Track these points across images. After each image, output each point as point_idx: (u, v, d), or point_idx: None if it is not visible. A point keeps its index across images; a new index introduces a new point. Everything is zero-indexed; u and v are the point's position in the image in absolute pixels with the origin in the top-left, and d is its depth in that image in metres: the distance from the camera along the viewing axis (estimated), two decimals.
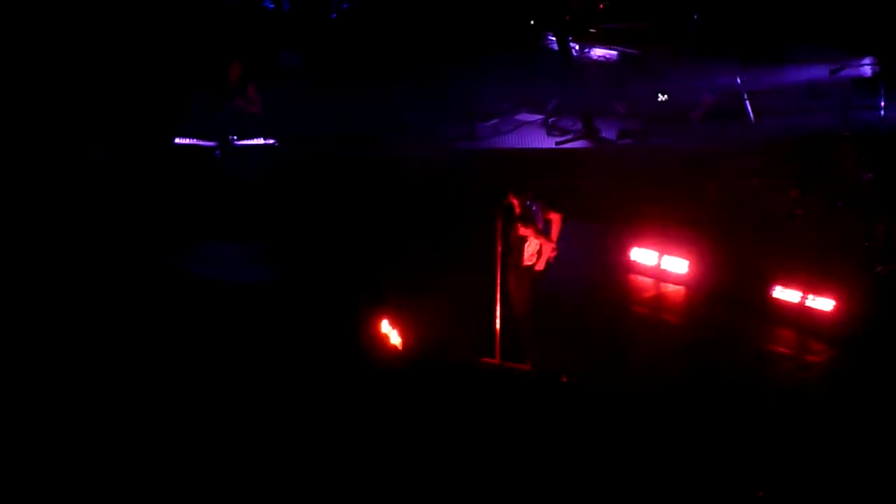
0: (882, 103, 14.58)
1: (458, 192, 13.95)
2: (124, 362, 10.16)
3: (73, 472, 8.58)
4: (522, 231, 10.21)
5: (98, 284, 11.68)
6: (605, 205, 13.64)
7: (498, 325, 10.21)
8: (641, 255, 12.71)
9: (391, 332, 10.57)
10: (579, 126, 16.41)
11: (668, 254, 12.54)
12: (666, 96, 16.30)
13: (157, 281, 11.88)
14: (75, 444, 8.91)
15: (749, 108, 14.93)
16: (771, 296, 11.66)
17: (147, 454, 8.79)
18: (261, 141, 14.56)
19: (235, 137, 14.41)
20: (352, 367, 10.13)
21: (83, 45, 15.75)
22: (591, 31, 17.33)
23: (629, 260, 12.77)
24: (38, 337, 10.56)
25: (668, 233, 12.80)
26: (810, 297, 11.43)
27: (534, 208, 10.31)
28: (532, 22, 17.66)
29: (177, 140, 14.32)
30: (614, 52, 17.15)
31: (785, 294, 11.59)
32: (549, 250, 10.30)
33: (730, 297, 11.99)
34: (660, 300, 12.28)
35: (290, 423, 9.23)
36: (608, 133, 16.29)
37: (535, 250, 10.30)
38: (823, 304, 11.36)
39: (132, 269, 12.07)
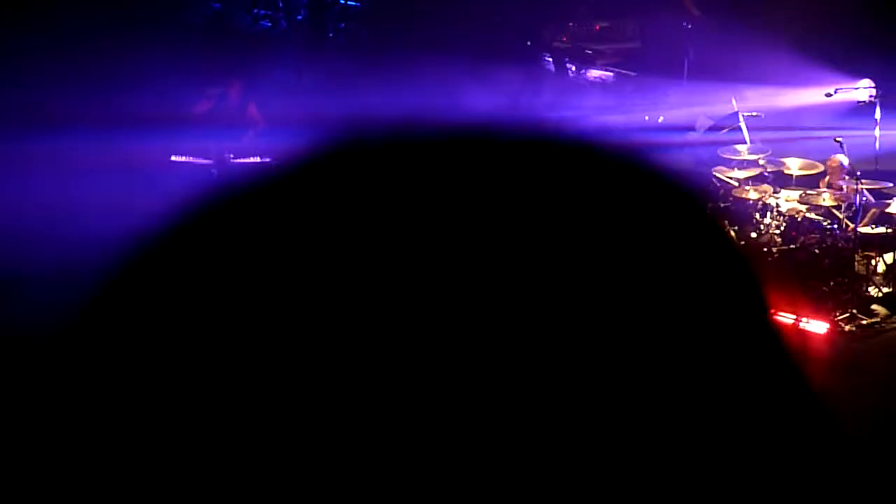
0: (877, 129, 14.44)
1: None
2: (133, 371, 10.11)
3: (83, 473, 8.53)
4: None
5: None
6: None
7: None
8: None
9: None
10: None
11: None
12: (663, 118, 16.37)
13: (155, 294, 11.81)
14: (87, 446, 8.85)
15: (745, 130, 14.95)
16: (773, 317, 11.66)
17: (155, 460, 8.74)
18: (257, 158, 14.56)
19: (232, 155, 14.41)
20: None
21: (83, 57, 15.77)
22: (588, 52, 17.43)
23: None
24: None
25: None
26: (803, 319, 11.49)
27: None
28: (529, 43, 17.76)
29: (173, 157, 14.30)
30: (611, 74, 17.25)
31: (780, 316, 11.61)
32: None
33: None
34: None
35: (300, 431, 9.19)
36: None
37: None
38: (817, 326, 11.42)
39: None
